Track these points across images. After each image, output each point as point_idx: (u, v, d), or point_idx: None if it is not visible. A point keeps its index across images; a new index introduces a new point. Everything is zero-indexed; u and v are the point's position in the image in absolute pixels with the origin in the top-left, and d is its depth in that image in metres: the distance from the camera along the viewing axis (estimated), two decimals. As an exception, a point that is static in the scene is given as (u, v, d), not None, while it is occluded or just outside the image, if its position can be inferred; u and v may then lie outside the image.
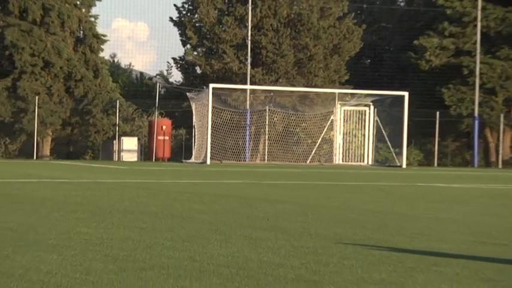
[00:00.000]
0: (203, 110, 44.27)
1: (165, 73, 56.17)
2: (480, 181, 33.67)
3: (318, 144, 46.65)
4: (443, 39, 49.56)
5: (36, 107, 45.50)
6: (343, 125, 47.65)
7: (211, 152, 42.78)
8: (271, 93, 48.51)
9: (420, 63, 49.14)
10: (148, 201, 18.02)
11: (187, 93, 46.19)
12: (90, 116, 47.70)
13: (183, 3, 50.44)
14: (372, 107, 46.10)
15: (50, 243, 8.24)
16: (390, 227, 12.34)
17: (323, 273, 6.05)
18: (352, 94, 47.09)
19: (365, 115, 46.91)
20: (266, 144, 47.62)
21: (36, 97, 45.36)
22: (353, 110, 47.63)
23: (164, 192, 22.12)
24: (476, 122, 48.30)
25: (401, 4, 59.62)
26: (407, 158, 45.08)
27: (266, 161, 46.51)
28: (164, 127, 46.24)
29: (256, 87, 47.20)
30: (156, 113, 47.50)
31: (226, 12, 48.66)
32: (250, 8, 46.33)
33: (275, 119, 47.43)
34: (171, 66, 54.18)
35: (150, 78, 58.08)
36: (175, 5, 50.30)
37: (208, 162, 42.00)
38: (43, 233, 9.59)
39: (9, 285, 4.84)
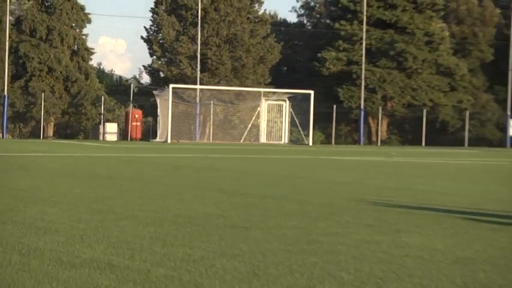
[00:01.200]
0: (165, 103, 48.38)
1: (138, 76, 61.48)
2: (364, 155, 36.09)
3: (248, 128, 51.86)
4: (338, 53, 55.20)
5: (43, 101, 49.55)
6: (267, 115, 52.62)
7: (171, 134, 47.01)
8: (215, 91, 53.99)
9: (322, 70, 54.49)
10: (124, 169, 21.32)
11: (154, 91, 51.23)
12: (82, 108, 52.69)
13: (150, 25, 54.77)
14: (287, 102, 51.27)
15: (51, 200, 9.98)
16: (299, 187, 14.61)
17: (251, 221, 7.48)
18: (273, 92, 52.27)
19: (282, 107, 51.89)
20: (211, 128, 52.53)
21: (43, 94, 49.49)
22: (274, 104, 52.59)
23: (136, 162, 25.02)
24: (362, 113, 53.86)
25: (309, 27, 64.18)
26: (312, 139, 49.81)
27: (211, 140, 51.25)
28: (137, 116, 50.73)
29: (204, 87, 51.81)
30: (131, 105, 51.78)
31: (182, 33, 53.20)
32: (199, 29, 50.78)
33: (217, 110, 52.69)
34: (142, 72, 59.81)
35: (127, 80, 63.07)
36: (145, 27, 55.04)
37: (169, 141, 45.81)
38: (46, 193, 11.45)
39: (21, 230, 6.42)
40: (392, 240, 7.47)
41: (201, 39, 51.95)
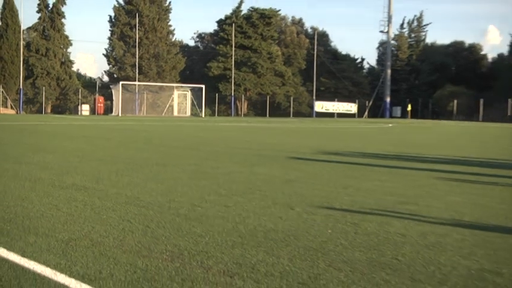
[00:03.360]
0: (117, 93, 57.51)
1: (101, 77, 70.90)
2: (234, 122, 39.93)
3: (166, 107, 62.70)
4: (219, 63, 66.18)
5: (43, 92, 59.07)
6: (177, 99, 63.29)
7: (120, 111, 56.31)
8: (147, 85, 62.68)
9: (209, 73, 65.67)
10: (93, 131, 22.68)
11: (110, 86, 61.22)
12: (67, 96, 62.59)
13: (108, 47, 65.17)
14: (189, 92, 62.20)
15: (49, 150, 11.73)
16: (196, 140, 15.39)
17: (168, 161, 8.37)
18: (181, 86, 62.77)
19: (187, 95, 62.78)
20: (145, 107, 62.60)
21: (43, 87, 59.27)
22: (181, 93, 63.42)
23: (100, 127, 26.88)
24: (233, 98, 65.37)
25: (201, 48, 74.52)
26: (204, 113, 59.66)
27: (145, 114, 60.15)
28: (100, 100, 60.45)
29: (140, 83, 61.04)
30: (97, 94, 61.50)
31: (127, 51, 63.52)
32: (137, 50, 61.42)
33: (148, 97, 63.33)
34: (103, 74, 69.60)
35: (94, 79, 71.18)
36: (105, 48, 65.59)
37: (120, 115, 54.27)
38: (45, 146, 13.07)
39: (31, 167, 7.03)
40: (250, 171, 9.89)
41: (138, 54, 62.33)
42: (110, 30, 64.50)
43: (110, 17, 64.75)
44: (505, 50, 76.72)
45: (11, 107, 58.99)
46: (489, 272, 4.71)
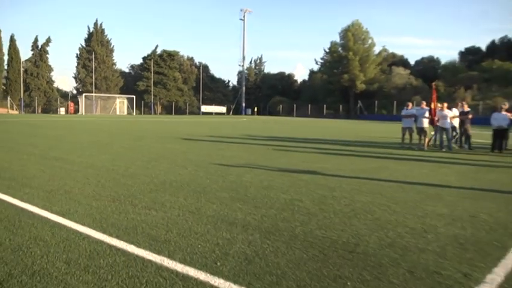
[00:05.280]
0: (82, 100, 74.69)
1: (72, 91, 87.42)
2: (153, 118, 43.77)
3: (112, 108, 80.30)
4: (144, 82, 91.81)
5: (36, 100, 77.85)
6: (119, 104, 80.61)
7: (84, 111, 73.10)
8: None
9: (137, 88, 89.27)
10: (66, 123, 25.37)
11: (78, 96, 78.71)
12: (51, 102, 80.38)
13: (76, 72, 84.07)
14: (126, 100, 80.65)
15: (39, 135, 12.55)
16: (130, 130, 17.03)
17: (111, 141, 10.70)
18: (121, 96, 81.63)
19: (124, 102, 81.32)
20: (99, 109, 78.54)
21: (36, 97, 78.15)
22: (121, 100, 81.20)
23: (71, 122, 30.46)
24: (152, 104, 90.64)
25: (133, 74, 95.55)
26: (135, 113, 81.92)
27: (99, 113, 75.30)
28: (72, 105, 76.97)
29: (96, 94, 79.37)
30: (69, 101, 79.07)
31: (87, 75, 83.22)
32: (94, 75, 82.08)
33: (101, 103, 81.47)
34: (73, 89, 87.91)
35: (68, 92, 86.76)
36: (74, 73, 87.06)
37: (84, 114, 70.70)
38: (36, 133, 14.37)
39: (25, 147, 9.01)
40: (161, 146, 11.89)
41: (94, 77, 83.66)
42: (77, 61, 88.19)
43: (77, 54, 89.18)
44: (306, 77, 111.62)
45: (16, 109, 76.44)
46: (295, 200, 6.29)
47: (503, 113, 16.94)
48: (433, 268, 4.32)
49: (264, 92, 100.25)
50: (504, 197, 7.84)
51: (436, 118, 18.02)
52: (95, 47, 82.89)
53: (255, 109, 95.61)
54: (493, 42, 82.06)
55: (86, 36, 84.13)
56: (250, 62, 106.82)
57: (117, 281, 3.79)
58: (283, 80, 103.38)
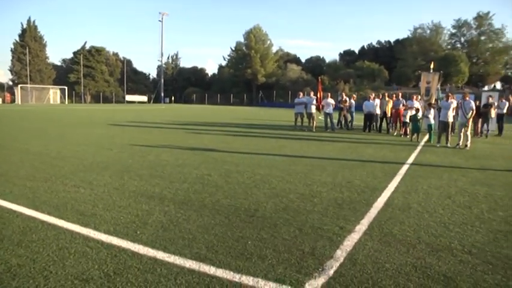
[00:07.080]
0: (18, 91, 70.69)
1: (9, 82, 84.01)
2: (83, 106, 47.46)
3: (46, 99, 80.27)
4: (75, 75, 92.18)
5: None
6: (52, 94, 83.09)
7: (20, 101, 75.45)
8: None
9: (70, 79, 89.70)
10: (4, 113, 23.25)
11: (14, 87, 74.30)
12: None
13: (11, 66, 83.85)
14: (58, 90, 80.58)
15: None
16: (63, 117, 15.74)
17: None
18: (54, 87, 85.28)
19: (57, 92, 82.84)
20: (34, 99, 77.60)
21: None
22: (54, 91, 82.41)
23: (8, 111, 27.35)
24: (82, 93, 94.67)
25: (67, 66, 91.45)
26: (67, 102, 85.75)
27: (34, 103, 77.13)
28: (8, 95, 72.74)
29: (32, 86, 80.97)
30: (5, 92, 76.40)
31: (23, 68, 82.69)
32: (28, 68, 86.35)
33: (36, 93, 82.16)
34: (9, 80, 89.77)
35: (5, 83, 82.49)
36: (9, 66, 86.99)
37: (20, 103, 71.94)
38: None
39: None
40: (90, 132, 11.30)
41: (29, 70, 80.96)
42: (12, 55, 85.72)
43: (11, 48, 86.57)
44: (216, 71, 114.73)
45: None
46: (205, 175, 6.07)
47: (371, 101, 17.44)
48: (318, 225, 4.55)
49: (180, 83, 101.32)
50: (372, 165, 8.38)
51: (321, 104, 18.87)
52: (29, 42, 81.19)
53: (172, 98, 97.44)
54: (363, 47, 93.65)
55: (20, 32, 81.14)
56: (168, 58, 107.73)
57: (48, 252, 3.64)
58: (196, 73, 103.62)
